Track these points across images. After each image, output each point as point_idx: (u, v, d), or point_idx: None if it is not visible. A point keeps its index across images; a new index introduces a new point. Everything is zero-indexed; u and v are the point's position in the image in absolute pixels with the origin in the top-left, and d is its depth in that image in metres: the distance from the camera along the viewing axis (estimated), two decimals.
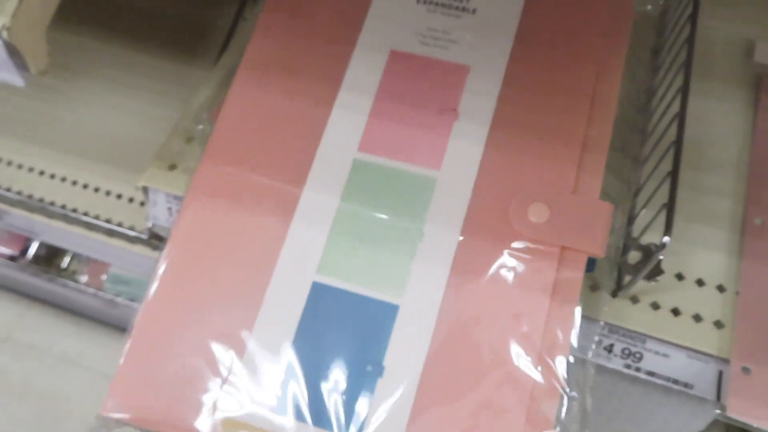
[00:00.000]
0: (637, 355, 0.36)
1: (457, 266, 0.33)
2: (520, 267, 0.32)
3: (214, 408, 0.31)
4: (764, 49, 0.46)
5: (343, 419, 0.31)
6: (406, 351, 0.32)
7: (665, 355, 0.36)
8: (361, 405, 0.31)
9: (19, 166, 0.52)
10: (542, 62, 0.37)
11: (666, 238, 0.30)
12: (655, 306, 0.36)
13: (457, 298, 0.32)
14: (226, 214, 0.35)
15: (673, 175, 0.32)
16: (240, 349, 0.32)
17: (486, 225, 0.33)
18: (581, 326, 0.36)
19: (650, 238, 0.36)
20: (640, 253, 0.38)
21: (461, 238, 0.33)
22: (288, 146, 0.36)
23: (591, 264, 0.33)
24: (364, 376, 0.31)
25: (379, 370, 0.31)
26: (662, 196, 0.35)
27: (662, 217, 0.33)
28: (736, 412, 0.33)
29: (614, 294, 0.36)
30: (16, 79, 0.31)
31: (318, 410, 0.31)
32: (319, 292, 0.33)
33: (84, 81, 0.53)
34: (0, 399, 0.89)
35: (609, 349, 0.37)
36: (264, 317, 0.33)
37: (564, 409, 0.30)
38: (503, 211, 0.33)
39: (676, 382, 0.36)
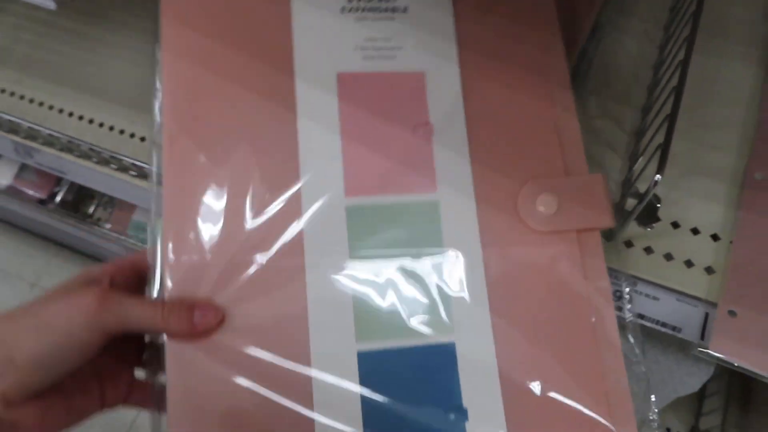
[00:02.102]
0: (628, 298, 0.37)
1: (491, 281, 0.32)
2: (549, 261, 0.32)
3: None
4: None
5: None
6: (480, 383, 0.30)
7: (655, 298, 0.37)
8: None
9: (50, 107, 0.54)
10: (491, 47, 0.36)
11: (658, 176, 0.31)
12: (649, 251, 0.37)
13: (504, 311, 0.31)
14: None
15: (671, 118, 0.33)
16: None
17: (503, 232, 0.32)
18: None
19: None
20: (637, 200, 0.39)
21: (483, 252, 0.32)
22: (270, 221, 0.32)
23: None
24: (451, 426, 0.30)
25: (462, 414, 0.30)
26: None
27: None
28: (719, 350, 0.34)
29: (609, 238, 0.37)
30: (47, 2, 0.33)
31: None
32: (368, 362, 0.30)
33: (121, 30, 0.56)
34: None
35: None
36: (321, 410, 0.29)
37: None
38: (513, 212, 0.33)
39: (664, 324, 0.37)
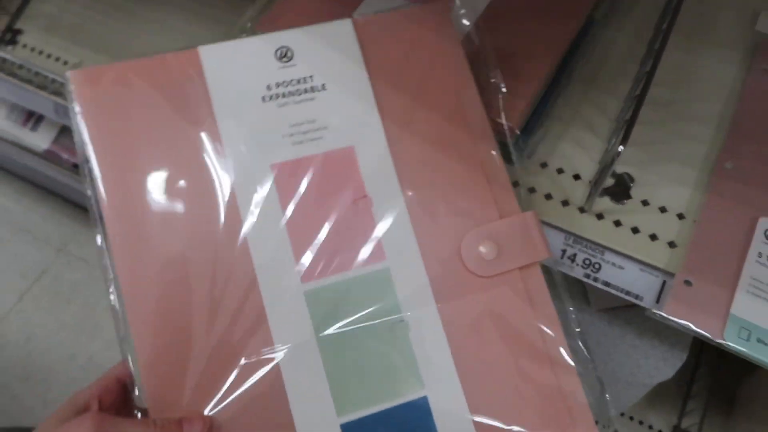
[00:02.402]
0: (596, 266, 0.41)
1: (450, 331, 0.34)
2: (499, 301, 0.35)
3: None
4: (766, 19, 0.49)
5: None
6: (455, 428, 0.33)
7: (621, 267, 0.40)
8: None
9: None
10: (409, 107, 0.37)
11: (621, 147, 0.35)
12: (618, 223, 0.41)
13: (465, 356, 0.34)
14: None
15: (640, 97, 0.37)
16: None
17: (453, 285, 0.35)
18: (549, 237, 0.41)
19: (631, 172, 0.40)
20: (614, 180, 0.42)
21: (438, 305, 0.35)
22: (236, 321, 0.33)
23: None
24: None
25: None
26: (646, 135, 0.39)
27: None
28: (671, 313, 0.37)
29: (582, 209, 0.41)
30: None
31: None
32: (354, 431, 0.33)
33: (164, 8, 0.61)
34: (49, 302, 1.00)
35: (572, 258, 0.41)
36: None
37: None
38: (459, 264, 0.35)
39: (628, 293, 0.40)
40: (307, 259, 0.34)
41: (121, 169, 0.34)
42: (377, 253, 0.35)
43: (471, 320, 0.35)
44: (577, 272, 0.41)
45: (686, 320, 0.36)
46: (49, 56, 0.60)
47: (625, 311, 0.56)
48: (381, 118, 0.37)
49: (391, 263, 0.35)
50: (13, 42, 0.61)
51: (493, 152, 0.38)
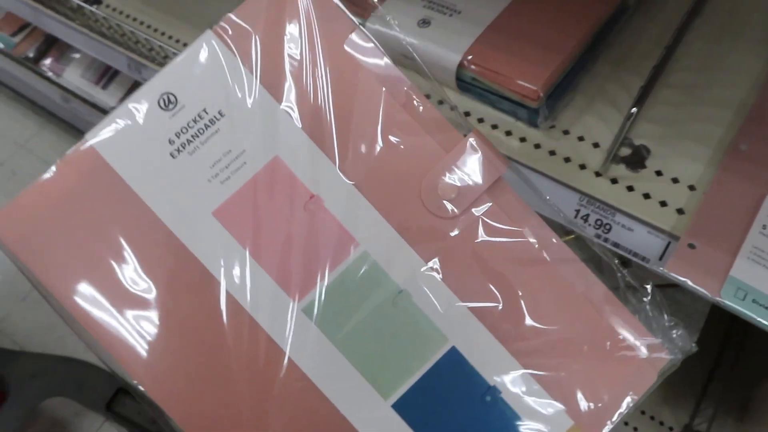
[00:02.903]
0: (607, 227, 0.44)
1: (450, 282, 0.35)
2: (480, 231, 0.35)
3: None
4: None
5: None
6: (491, 360, 0.35)
7: (630, 229, 0.43)
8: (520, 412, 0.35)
9: (163, 34, 0.66)
10: (314, 86, 0.36)
11: (634, 109, 0.38)
12: (630, 188, 0.44)
13: (475, 293, 0.35)
14: None
15: (656, 69, 0.40)
16: None
17: (431, 237, 0.35)
18: (564, 197, 0.44)
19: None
20: (630, 150, 0.45)
21: (427, 263, 0.35)
22: (257, 358, 0.35)
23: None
24: (494, 405, 0.35)
25: (495, 391, 0.35)
26: (666, 114, 0.42)
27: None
28: (672, 270, 0.39)
29: (598, 174, 0.44)
30: None
31: None
32: (403, 407, 0.35)
33: None
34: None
35: (585, 218, 0.44)
36: None
37: None
38: (428, 215, 0.35)
39: (636, 254, 0.43)
40: (288, 280, 0.35)
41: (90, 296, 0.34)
42: (349, 242, 0.35)
43: (464, 261, 0.35)
44: (589, 232, 0.44)
45: (686, 277, 0.39)
46: (128, 16, 0.67)
47: None
48: (289, 112, 0.35)
49: (366, 245, 0.35)
50: (97, 2, 0.68)
51: (409, 90, 0.36)
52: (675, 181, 0.44)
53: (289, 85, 0.35)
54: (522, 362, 0.35)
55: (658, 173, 0.44)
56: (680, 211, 0.43)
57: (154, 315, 0.34)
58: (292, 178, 0.35)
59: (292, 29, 0.36)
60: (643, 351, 0.36)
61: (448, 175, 0.35)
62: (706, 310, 0.59)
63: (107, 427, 0.90)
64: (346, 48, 0.36)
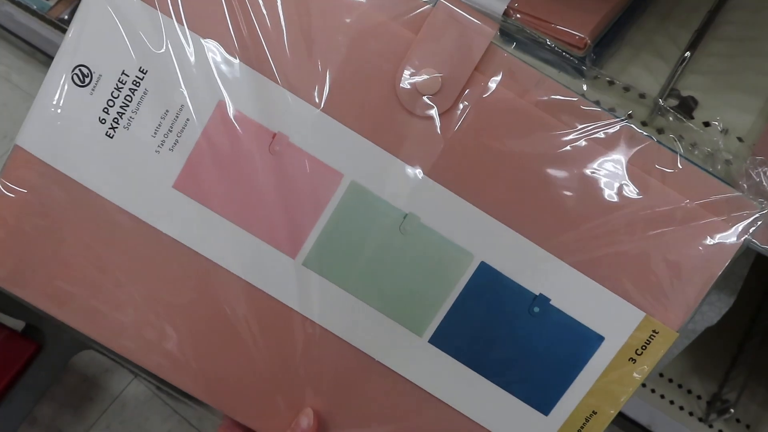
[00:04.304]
0: None
1: (457, 188, 0.30)
2: (481, 118, 0.30)
3: None
4: None
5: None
6: (528, 263, 0.31)
7: None
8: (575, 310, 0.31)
9: None
10: (241, 9, 0.30)
11: (687, 53, 0.37)
12: (679, 139, 0.43)
13: (488, 197, 0.31)
14: None
15: (711, 14, 0.39)
16: None
17: (425, 146, 0.30)
18: None
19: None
20: (678, 101, 0.45)
21: (426, 173, 0.30)
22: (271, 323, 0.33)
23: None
24: (545, 313, 0.31)
25: (544, 299, 0.31)
26: (715, 65, 0.41)
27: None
28: None
29: (644, 123, 0.44)
30: None
31: None
32: (440, 339, 0.32)
33: None
34: None
35: None
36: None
37: None
38: (415, 122, 0.30)
39: None
40: (277, 236, 0.31)
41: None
42: (332, 175, 0.30)
43: (469, 160, 0.30)
44: None
45: None
46: None
47: None
48: (220, 45, 0.30)
49: (350, 174, 0.30)
50: None
51: None
52: (725, 132, 0.43)
53: (213, 11, 0.30)
54: (567, 260, 0.30)
55: (706, 124, 0.44)
56: (728, 162, 0.42)
57: (153, 313, 0.33)
58: (245, 121, 0.30)
59: None
60: (721, 209, 0.30)
61: (422, 63, 0.29)
62: (744, 272, 0.59)
63: (136, 384, 0.92)
64: None
